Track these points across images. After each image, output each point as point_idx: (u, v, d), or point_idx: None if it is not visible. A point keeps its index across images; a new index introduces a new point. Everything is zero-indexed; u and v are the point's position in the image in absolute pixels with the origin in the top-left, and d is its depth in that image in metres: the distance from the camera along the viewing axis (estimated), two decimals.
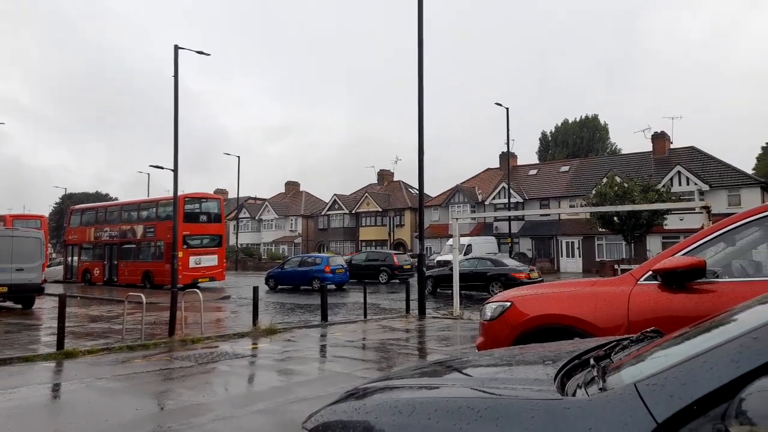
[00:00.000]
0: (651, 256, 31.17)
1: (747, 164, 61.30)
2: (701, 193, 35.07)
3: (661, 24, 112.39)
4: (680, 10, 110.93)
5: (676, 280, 3.49)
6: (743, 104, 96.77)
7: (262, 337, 10.46)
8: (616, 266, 25.69)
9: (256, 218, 61.51)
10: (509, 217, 37.08)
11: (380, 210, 52.01)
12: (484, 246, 36.60)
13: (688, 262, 3.42)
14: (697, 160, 38.66)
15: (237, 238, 53.26)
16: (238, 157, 47.54)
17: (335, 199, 56.29)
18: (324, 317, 12.62)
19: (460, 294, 14.18)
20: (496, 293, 18.94)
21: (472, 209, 46.20)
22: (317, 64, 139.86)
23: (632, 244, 31.84)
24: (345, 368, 7.59)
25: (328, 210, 56.82)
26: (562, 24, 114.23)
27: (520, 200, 43.09)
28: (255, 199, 65.43)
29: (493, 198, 44.88)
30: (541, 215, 42.49)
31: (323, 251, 51.25)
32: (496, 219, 42.66)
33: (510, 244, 36.11)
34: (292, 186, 66.54)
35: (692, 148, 40.73)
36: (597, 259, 36.78)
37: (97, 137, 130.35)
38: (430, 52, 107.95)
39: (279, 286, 24.22)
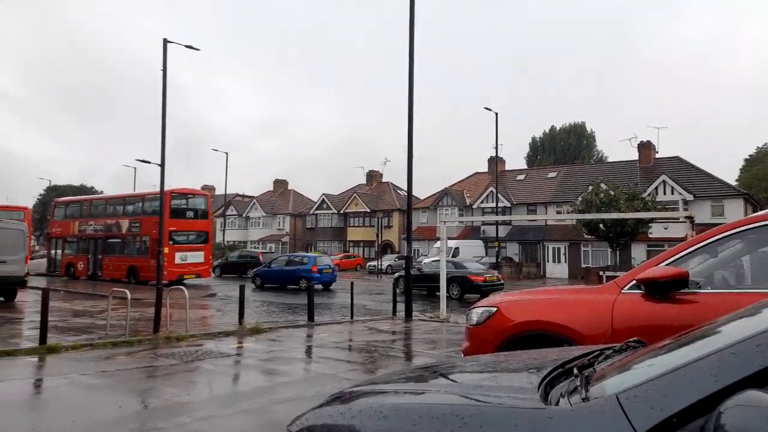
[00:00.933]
0: (635, 264, 31.63)
1: (731, 176, 62.24)
2: (685, 202, 35.53)
3: (653, 32, 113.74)
4: (671, 19, 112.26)
5: (659, 289, 3.55)
6: (729, 116, 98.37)
7: (247, 336, 10.42)
8: (601, 273, 25.93)
9: (244, 216, 61.20)
10: (496, 221, 37.25)
11: (368, 211, 52.01)
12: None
13: (671, 272, 3.48)
14: (682, 171, 39.19)
15: (224, 236, 52.90)
16: (226, 153, 47.29)
17: (324, 199, 56.19)
18: (310, 317, 12.59)
19: (422, 293, 14.18)
20: (455, 293, 18.95)
21: (460, 212, 46.38)
22: (308, 61, 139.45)
23: (617, 252, 32.18)
24: (330, 369, 7.59)
25: (316, 209, 56.70)
26: (553, 30, 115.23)
27: (508, 205, 43.36)
28: (242, 196, 65.07)
29: (481, 202, 45.11)
30: (529, 221, 42.81)
31: (311, 251, 51.14)
32: (484, 223, 42.89)
33: (497, 248, 36.32)
34: (280, 184, 66.31)
35: (678, 159, 41.29)
36: (582, 266, 37.11)
37: (84, 129, 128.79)
38: (422, 53, 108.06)
39: (266, 285, 24.12)
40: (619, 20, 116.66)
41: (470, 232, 44.32)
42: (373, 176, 59.27)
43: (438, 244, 29.31)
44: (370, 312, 15.64)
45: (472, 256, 37.27)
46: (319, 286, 23.02)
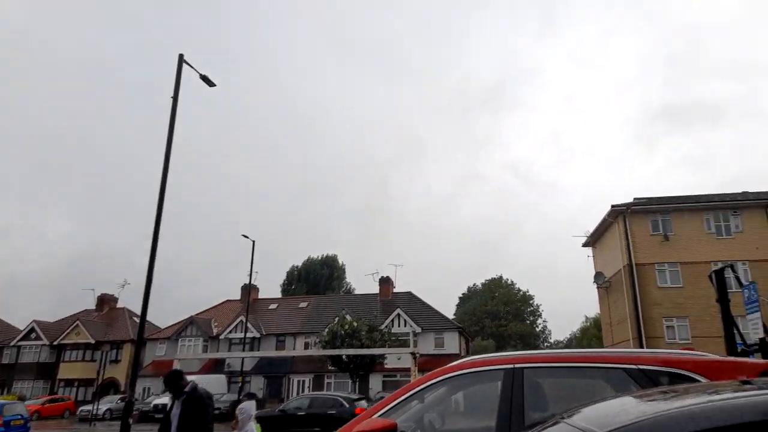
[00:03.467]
0: (372, 395, 32.99)
1: (450, 311, 72.82)
2: (415, 334, 39.77)
3: (407, 179, 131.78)
4: (421, 175, 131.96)
5: None
6: (452, 259, 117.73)
7: None
8: None
9: None
10: (242, 357, 35.40)
11: (92, 342, 44.40)
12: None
13: (380, 425, 3.51)
14: (413, 304, 44.32)
15: None
16: None
17: (33, 326, 46.25)
18: None
19: None
20: None
21: (205, 343, 43.14)
22: (40, 152, 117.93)
23: (357, 383, 33.43)
24: None
25: (20, 339, 46.04)
26: (328, 166, 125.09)
27: (257, 335, 42.14)
28: None
29: (230, 332, 42.92)
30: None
31: (4, 393, 40.44)
32: (228, 357, 40.40)
33: (240, 384, 34.20)
34: None
35: (410, 294, 46.79)
36: None
37: None
38: (179, 165, 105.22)
39: None
40: (384, 170, 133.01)
41: (214, 365, 41.15)
42: (105, 301, 51.73)
43: None
44: None
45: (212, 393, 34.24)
46: None
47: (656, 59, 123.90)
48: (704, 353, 4.14)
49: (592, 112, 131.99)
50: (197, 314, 46.65)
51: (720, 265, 14.11)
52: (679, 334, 28.54)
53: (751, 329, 11.85)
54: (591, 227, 35.72)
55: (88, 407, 33.18)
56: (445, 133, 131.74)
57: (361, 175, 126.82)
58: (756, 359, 4.92)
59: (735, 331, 11.92)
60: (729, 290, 12.75)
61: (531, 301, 78.97)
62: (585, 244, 37.56)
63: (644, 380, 3.41)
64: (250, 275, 34.49)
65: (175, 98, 13.67)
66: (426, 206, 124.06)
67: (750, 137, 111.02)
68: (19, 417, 18.62)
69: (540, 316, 79.56)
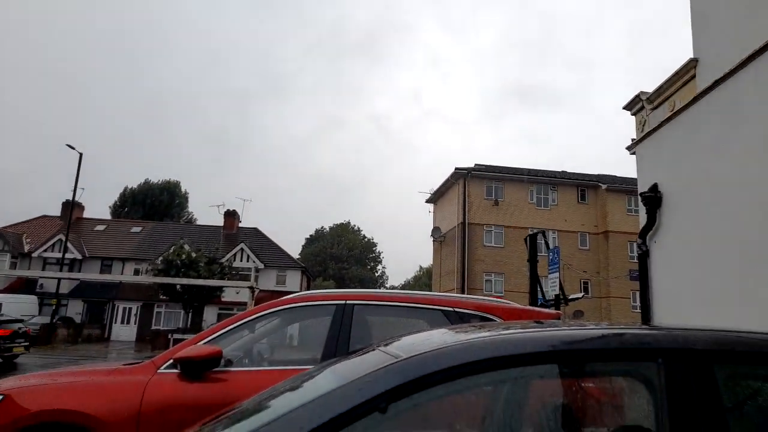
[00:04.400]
0: (206, 326, 32.47)
1: (296, 251, 73.41)
2: (257, 270, 39.45)
3: (270, 115, 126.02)
4: (284, 111, 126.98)
5: (194, 369, 3.48)
6: (302, 199, 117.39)
7: None
8: (169, 336, 25.39)
9: None
10: (59, 277, 32.06)
11: None
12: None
13: (205, 351, 3.47)
14: (258, 241, 43.70)
15: None
16: None
17: None
18: None
19: None
20: None
21: (14, 260, 38.04)
22: None
23: (190, 314, 32.45)
24: None
25: None
26: (171, 85, 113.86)
27: (79, 257, 38.27)
28: None
29: (45, 250, 38.32)
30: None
31: None
32: (41, 277, 36.30)
33: (54, 306, 31.09)
34: None
35: (256, 230, 45.97)
36: (153, 328, 35.66)
37: None
38: None
39: None
40: (245, 98, 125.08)
41: (24, 285, 36.66)
42: None
43: None
44: None
45: (20, 314, 30.74)
46: None
47: (516, 39, 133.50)
48: (511, 302, 4.76)
49: (452, 76, 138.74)
50: (5, 227, 40.68)
51: (536, 231, 16.15)
52: (495, 288, 32.40)
53: (550, 287, 13.89)
54: (435, 185, 38.22)
55: None
56: (312, 73, 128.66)
57: (215, 102, 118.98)
58: (550, 310, 5.82)
59: (538, 288, 13.90)
60: (539, 253, 14.74)
61: (374, 248, 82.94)
62: (428, 201, 40.17)
63: (457, 321, 3.83)
64: (75, 190, 30.97)
65: None
66: (282, 145, 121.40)
67: (576, 123, 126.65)
68: None
69: (380, 262, 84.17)
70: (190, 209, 69.08)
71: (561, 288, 13.34)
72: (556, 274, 13.63)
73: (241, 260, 39.82)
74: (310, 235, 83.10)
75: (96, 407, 3.35)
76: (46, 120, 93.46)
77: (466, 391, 1.40)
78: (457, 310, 3.92)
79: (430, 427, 1.54)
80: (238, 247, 40.37)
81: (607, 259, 33.53)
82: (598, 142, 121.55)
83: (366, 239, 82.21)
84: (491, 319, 3.88)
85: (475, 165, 34.97)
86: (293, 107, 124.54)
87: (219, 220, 46.44)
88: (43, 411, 3.40)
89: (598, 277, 33.41)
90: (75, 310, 36.91)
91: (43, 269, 36.95)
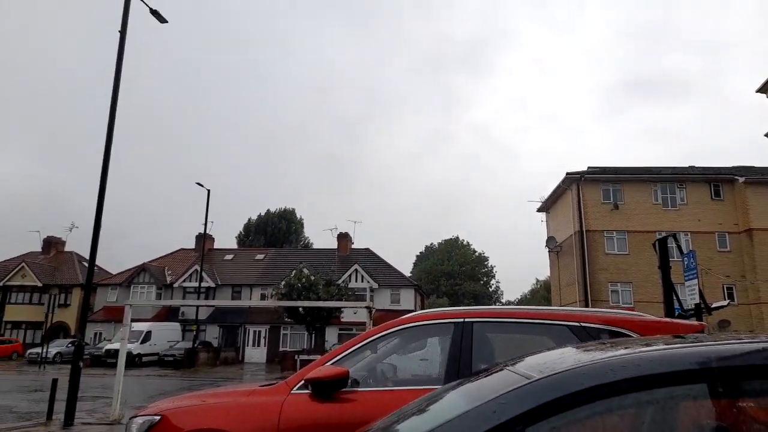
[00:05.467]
0: (329, 347, 33.71)
1: (407, 268, 74.17)
2: (372, 290, 40.41)
3: (372, 136, 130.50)
4: (392, 126, 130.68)
5: (323, 389, 3.63)
6: (410, 218, 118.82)
7: None
8: (296, 357, 26.71)
9: None
10: (197, 305, 35.36)
11: (39, 285, 43.14)
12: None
13: (332, 372, 3.61)
14: (370, 261, 44.84)
15: None
16: None
17: None
18: None
19: None
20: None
21: (159, 291, 42.58)
22: None
23: (313, 335, 33.95)
24: None
25: None
26: (294, 117, 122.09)
27: (212, 285, 41.88)
28: None
29: (184, 281, 42.47)
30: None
31: None
32: (183, 305, 40.23)
33: (195, 332, 34.18)
34: None
35: (368, 250, 47.23)
36: (281, 349, 37.78)
37: None
38: (133, 110, 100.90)
39: None
40: (354, 123, 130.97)
41: (168, 314, 40.83)
42: (52, 244, 49.96)
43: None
44: (16, 416, 12.34)
45: (167, 340, 34.21)
46: None
47: (630, 29, 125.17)
48: (644, 314, 4.40)
49: (560, 78, 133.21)
50: (149, 261, 45.80)
51: (664, 235, 14.82)
52: (623, 299, 30.12)
53: (688, 295, 12.60)
54: (546, 193, 36.70)
55: (37, 350, 32.56)
56: (415, 90, 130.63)
57: (326, 129, 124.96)
58: (691, 322, 5.28)
59: (674, 297, 12.68)
60: (671, 258, 13.49)
61: (486, 263, 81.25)
62: (540, 209, 38.62)
63: (586, 337, 3.61)
64: (205, 224, 34.00)
65: (122, 33, 12.90)
66: (389, 164, 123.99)
67: (706, 114, 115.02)
68: None
69: (494, 276, 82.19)
70: (305, 234, 72.88)
71: (701, 296, 12.06)
72: (695, 281, 12.34)
73: (356, 281, 41.03)
74: (420, 253, 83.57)
75: (240, 427, 3.61)
76: (179, 160, 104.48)
77: (608, 414, 1.31)
78: (584, 325, 3.70)
79: None
80: (353, 269, 41.67)
81: (753, 261, 29.79)
82: (728, 133, 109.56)
83: (477, 253, 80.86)
84: (624, 335, 3.61)
85: (588, 168, 33.12)
86: (400, 126, 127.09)
87: (332, 243, 48.38)
88: (196, 431, 3.74)
89: (743, 282, 29.75)
90: (212, 334, 40.28)
91: (183, 298, 40.92)
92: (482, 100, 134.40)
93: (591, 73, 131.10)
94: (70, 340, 36.82)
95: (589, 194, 31.62)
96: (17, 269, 44.13)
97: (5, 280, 43.81)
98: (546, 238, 36.74)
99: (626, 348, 1.49)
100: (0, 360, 34.83)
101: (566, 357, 1.51)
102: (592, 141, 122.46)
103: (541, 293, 65.35)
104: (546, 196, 36.59)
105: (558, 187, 33.97)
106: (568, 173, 32.07)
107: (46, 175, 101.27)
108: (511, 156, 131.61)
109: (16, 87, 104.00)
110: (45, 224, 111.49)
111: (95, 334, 39.77)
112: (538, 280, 75.36)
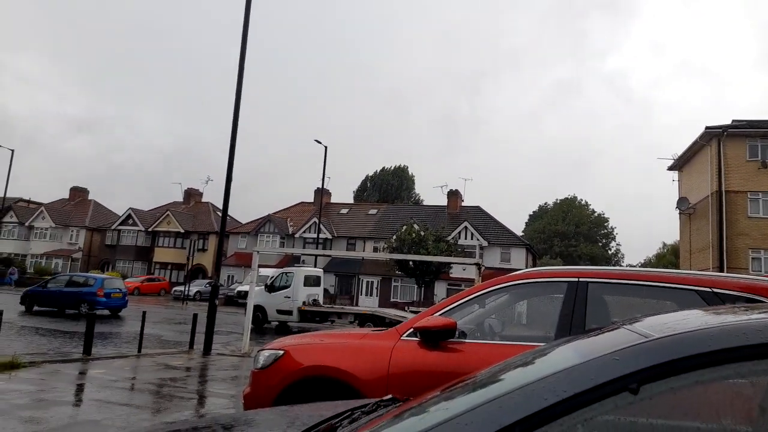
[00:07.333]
0: (437, 300, 34.29)
1: (519, 227, 72.19)
2: (481, 248, 40.05)
3: (501, 92, 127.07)
4: (512, 82, 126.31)
5: (431, 338, 3.75)
6: (524, 176, 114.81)
7: None
8: (406, 308, 27.58)
9: (26, 225, 52.30)
10: (315, 254, 37.48)
11: (182, 231, 48.47)
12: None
13: (441, 322, 3.70)
14: (480, 219, 44.28)
15: None
16: (12, 150, 40.31)
17: (130, 213, 50.92)
18: (87, 350, 10.95)
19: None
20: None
21: (282, 240, 45.82)
22: (138, 54, 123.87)
23: (422, 288, 34.70)
24: (102, 414, 6.58)
25: (120, 224, 51.03)
26: (411, 77, 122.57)
27: (329, 237, 44.15)
28: (28, 201, 55.86)
29: (304, 232, 45.23)
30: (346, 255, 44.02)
31: (107, 270, 45.62)
32: (303, 254, 42.94)
33: None
34: (78, 192, 58.29)
35: (478, 208, 46.60)
36: (392, 300, 39.18)
37: None
38: (260, 70, 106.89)
39: (38, 308, 20.59)
40: (473, 78, 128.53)
41: (290, 261, 43.92)
42: (192, 195, 55.65)
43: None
44: (164, 344, 14.25)
45: None
46: (106, 312, 20.55)
47: None
48: None
49: (709, 19, 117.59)
50: (274, 213, 49.28)
51: None
52: (765, 267, 26.93)
53: None
54: (680, 151, 33.18)
55: (181, 288, 37.06)
56: (544, 41, 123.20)
57: (444, 86, 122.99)
58: None
59: None
60: None
61: (605, 224, 76.45)
62: (670, 168, 35.14)
63: (717, 304, 3.30)
64: (323, 180, 35.56)
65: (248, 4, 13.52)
66: (506, 121, 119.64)
67: None
68: (118, 290, 21.13)
69: (614, 239, 77.29)
70: (416, 190, 73.59)
71: None
72: None
73: (465, 238, 40.86)
74: (533, 212, 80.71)
75: (353, 366, 3.88)
76: (302, 118, 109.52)
77: (735, 380, 1.22)
78: (716, 291, 3.38)
79: (688, 416, 1.39)
80: (462, 226, 41.50)
81: None
82: None
83: (596, 214, 76.24)
84: (763, 302, 3.26)
85: (733, 121, 29.30)
86: (524, 81, 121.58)
87: (443, 200, 48.34)
88: (313, 366, 4.08)
89: None
90: (329, 282, 42.74)
91: (303, 247, 43.68)
92: (613, 48, 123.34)
93: (756, 9, 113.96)
94: (207, 281, 41.29)
95: (732, 151, 28.09)
96: (163, 217, 49.90)
97: (153, 225, 49.78)
98: (677, 199, 33.54)
99: (763, 312, 1.36)
100: (150, 295, 40.07)
101: (691, 319, 1.42)
102: (742, 93, 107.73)
103: (668, 258, 60.24)
104: (679, 153, 33.15)
105: (694, 143, 30.54)
106: (707, 127, 28.65)
107: (187, 133, 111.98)
108: (642, 109, 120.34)
109: (161, 55, 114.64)
110: (186, 177, 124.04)
111: (228, 276, 44.12)
112: (665, 245, 69.42)
